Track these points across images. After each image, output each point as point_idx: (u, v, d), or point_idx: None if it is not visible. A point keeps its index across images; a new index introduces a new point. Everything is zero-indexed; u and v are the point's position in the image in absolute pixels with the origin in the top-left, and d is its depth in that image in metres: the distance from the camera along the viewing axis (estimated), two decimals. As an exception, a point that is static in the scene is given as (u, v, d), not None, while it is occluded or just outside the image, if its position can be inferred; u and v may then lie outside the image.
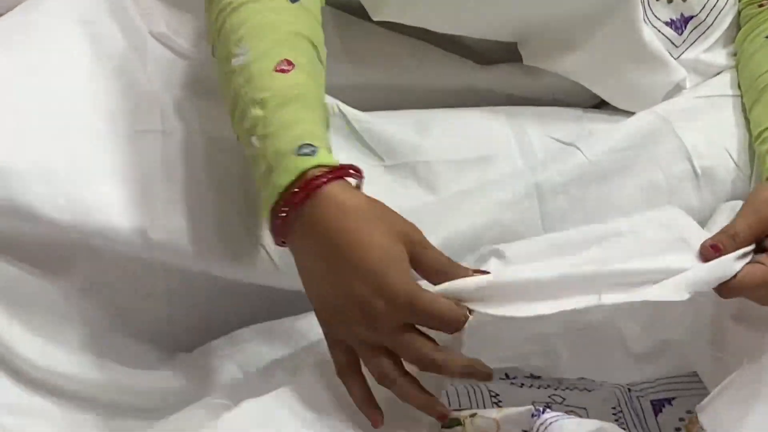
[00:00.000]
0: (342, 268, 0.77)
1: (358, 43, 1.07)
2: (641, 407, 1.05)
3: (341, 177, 0.79)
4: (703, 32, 1.09)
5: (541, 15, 1.02)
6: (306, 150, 0.79)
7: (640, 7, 1.01)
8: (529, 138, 1.03)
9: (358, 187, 0.82)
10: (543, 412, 0.83)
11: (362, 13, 1.04)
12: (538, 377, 1.06)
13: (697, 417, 0.88)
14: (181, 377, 0.97)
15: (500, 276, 0.80)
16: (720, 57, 1.10)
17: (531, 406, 0.84)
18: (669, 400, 1.06)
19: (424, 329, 0.79)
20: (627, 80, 1.05)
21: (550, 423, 0.82)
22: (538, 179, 0.99)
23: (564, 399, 1.03)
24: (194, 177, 0.95)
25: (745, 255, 0.83)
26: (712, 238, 0.84)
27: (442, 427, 0.90)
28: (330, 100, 1.02)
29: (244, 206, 0.95)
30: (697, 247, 0.83)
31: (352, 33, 1.07)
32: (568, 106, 1.09)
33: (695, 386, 1.04)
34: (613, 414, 1.04)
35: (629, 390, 1.06)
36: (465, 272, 0.79)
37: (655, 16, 1.07)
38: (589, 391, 1.05)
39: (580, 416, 0.94)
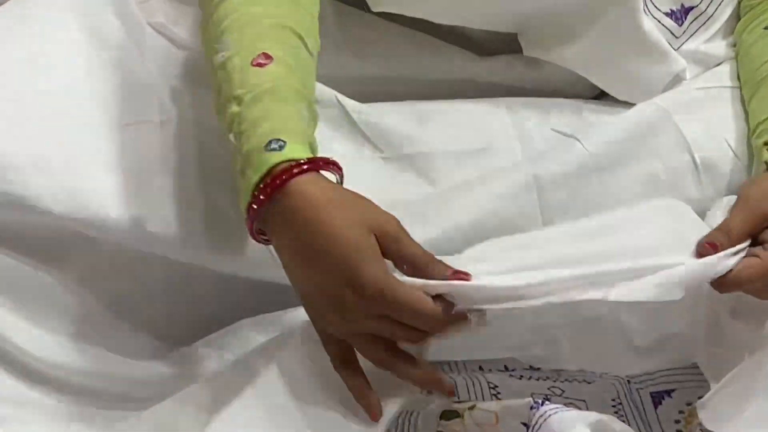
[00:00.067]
0: (313, 261, 0.77)
1: (358, 35, 1.07)
2: (641, 399, 1.05)
3: (312, 170, 0.78)
4: (704, 23, 1.08)
5: (541, 5, 1.02)
6: (274, 145, 0.78)
7: (641, -2, 1.01)
8: (529, 130, 1.03)
9: (339, 180, 0.82)
10: (542, 404, 0.83)
11: (362, 5, 1.04)
12: (538, 369, 1.06)
13: (696, 410, 0.88)
14: (175, 368, 0.97)
15: (495, 281, 0.78)
16: (720, 48, 1.10)
17: (530, 399, 0.84)
18: (668, 392, 1.06)
19: None
20: (627, 71, 1.05)
21: (549, 415, 0.82)
22: (537, 171, 0.99)
23: (563, 391, 1.03)
24: (191, 168, 0.95)
25: (741, 250, 0.83)
26: (707, 236, 0.84)
27: (441, 418, 0.90)
28: (329, 92, 1.02)
29: None
30: (694, 242, 0.83)
31: (351, 24, 1.07)
32: (568, 98, 1.08)
33: (695, 378, 1.04)
34: (613, 406, 1.04)
35: (629, 382, 1.06)
36: (441, 270, 0.78)
37: (656, 7, 1.07)
38: (589, 383, 1.05)
39: (580, 408, 0.94)
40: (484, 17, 1.04)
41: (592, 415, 0.82)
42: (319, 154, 0.81)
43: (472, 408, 0.89)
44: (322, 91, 1.01)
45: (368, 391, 0.81)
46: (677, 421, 1.04)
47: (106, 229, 0.92)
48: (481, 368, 1.06)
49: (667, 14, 1.07)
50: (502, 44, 1.08)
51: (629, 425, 0.97)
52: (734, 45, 1.10)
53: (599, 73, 1.06)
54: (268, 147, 0.78)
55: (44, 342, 0.94)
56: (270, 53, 0.84)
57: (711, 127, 1.02)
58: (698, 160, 1.00)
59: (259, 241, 0.82)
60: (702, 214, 0.92)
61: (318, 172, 0.79)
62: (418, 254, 0.78)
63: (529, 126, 1.03)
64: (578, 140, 1.00)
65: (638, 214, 0.89)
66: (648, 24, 1.02)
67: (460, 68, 1.08)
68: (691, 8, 1.08)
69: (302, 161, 0.78)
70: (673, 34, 1.07)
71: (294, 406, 0.81)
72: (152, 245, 0.93)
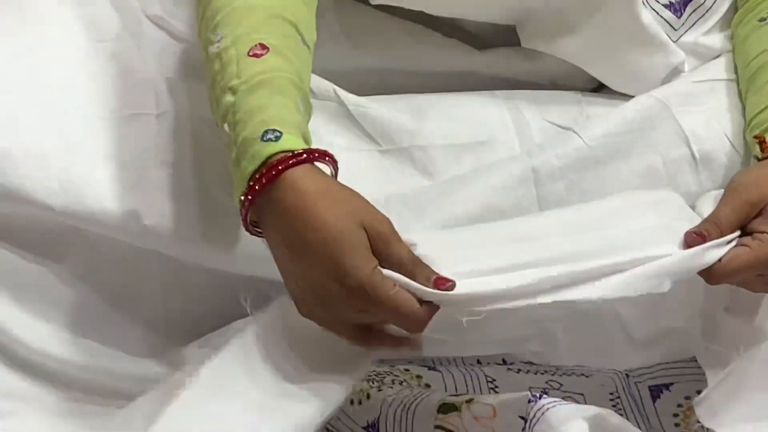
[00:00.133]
0: (301, 251, 0.77)
1: (357, 27, 1.07)
2: (639, 393, 1.05)
3: (307, 161, 0.78)
4: (702, 15, 1.08)
5: (539, -4, 1.02)
6: (270, 136, 0.78)
7: (639, -11, 1.01)
8: (527, 122, 1.03)
9: (333, 173, 0.81)
10: (540, 398, 0.83)
11: (361, -3, 1.04)
12: (536, 363, 1.06)
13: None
14: (170, 367, 0.96)
15: (479, 287, 0.78)
16: (719, 40, 1.09)
17: (527, 392, 0.84)
18: (667, 386, 1.06)
19: None
20: (625, 63, 1.05)
21: (547, 409, 0.82)
22: (534, 164, 0.98)
23: (561, 385, 1.03)
24: (187, 161, 0.94)
25: (729, 241, 0.83)
26: (696, 227, 0.83)
27: (438, 412, 0.90)
28: (326, 84, 1.02)
29: None
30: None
31: (350, 17, 1.07)
32: (566, 90, 1.08)
33: (693, 372, 1.04)
34: (611, 400, 1.03)
35: (627, 376, 1.06)
36: (427, 275, 0.77)
37: (654, -1, 1.07)
38: (587, 377, 1.05)
39: (578, 402, 0.94)
40: (483, 9, 1.04)
41: (590, 409, 0.82)
42: (315, 146, 0.81)
43: (469, 401, 0.88)
44: (320, 83, 1.01)
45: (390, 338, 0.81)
46: (675, 415, 1.04)
47: (101, 221, 0.92)
48: (479, 362, 1.06)
49: (665, 6, 1.07)
50: (500, 37, 1.08)
51: (627, 419, 0.98)
52: (732, 37, 1.10)
53: (598, 66, 1.06)
54: (263, 137, 0.78)
55: (42, 335, 0.94)
56: (266, 44, 0.84)
57: (710, 120, 1.02)
58: (697, 153, 1.00)
59: (252, 233, 0.81)
60: (700, 207, 0.92)
61: (313, 163, 0.79)
62: (405, 257, 0.77)
63: (527, 119, 1.03)
64: (576, 133, 1.00)
65: (629, 205, 0.89)
66: (646, 16, 1.02)
67: (458, 61, 1.08)
68: (690, 0, 1.08)
69: (298, 152, 0.78)
70: (671, 26, 1.07)
71: (270, 364, 0.81)
72: (147, 239, 0.93)
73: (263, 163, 0.77)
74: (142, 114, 0.96)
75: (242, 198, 0.78)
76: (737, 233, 0.84)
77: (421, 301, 0.76)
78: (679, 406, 1.04)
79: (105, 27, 1.01)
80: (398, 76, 1.08)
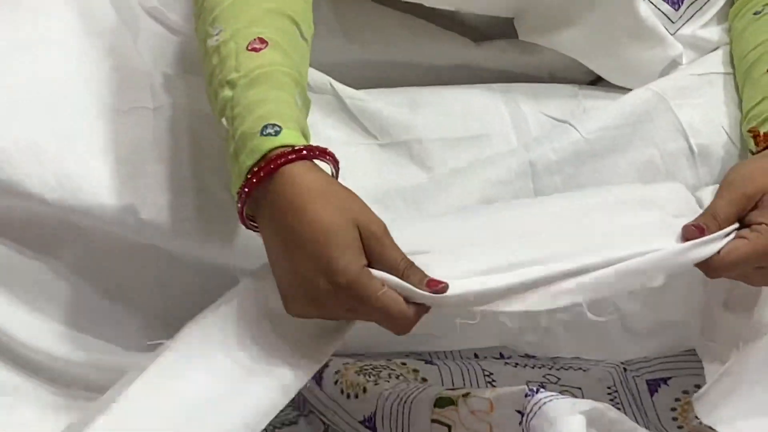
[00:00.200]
0: (292, 245, 0.76)
1: (353, 20, 1.07)
2: (637, 387, 1.05)
3: (307, 158, 0.78)
4: (700, 8, 1.08)
5: (537, -11, 1.01)
6: (270, 130, 0.78)
7: (637, -18, 1.01)
8: (524, 115, 1.02)
9: (333, 172, 0.81)
10: (537, 392, 0.83)
11: (358, -11, 1.04)
12: (533, 357, 1.06)
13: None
14: None
15: (470, 288, 0.77)
16: (717, 33, 1.09)
17: (525, 386, 0.84)
18: (665, 380, 1.06)
19: None
20: (623, 56, 1.04)
21: (544, 403, 0.81)
22: (532, 157, 0.98)
23: (559, 379, 1.03)
24: (184, 155, 0.94)
25: (727, 234, 0.82)
26: (693, 220, 0.83)
27: (435, 406, 0.90)
28: (323, 78, 1.01)
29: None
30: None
31: (347, 9, 1.07)
32: (564, 83, 1.08)
33: (691, 366, 1.04)
34: (608, 394, 1.03)
35: (625, 370, 1.06)
36: (419, 278, 0.76)
37: (653, -9, 1.06)
38: (584, 371, 1.05)
39: (575, 396, 0.94)
40: (480, 2, 1.04)
41: (587, 403, 0.82)
42: (313, 142, 0.81)
43: (466, 395, 0.88)
44: (317, 77, 1.01)
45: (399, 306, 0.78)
46: (673, 409, 1.04)
47: (98, 215, 0.91)
48: (476, 356, 1.06)
49: (664, -2, 1.07)
50: (498, 30, 1.08)
51: (625, 413, 0.98)
52: (729, 30, 1.10)
53: (595, 59, 1.06)
54: (263, 132, 0.78)
55: (38, 330, 0.94)
56: (265, 38, 0.83)
57: (707, 113, 1.02)
58: (694, 146, 1.00)
59: (247, 227, 0.81)
60: (698, 200, 0.92)
61: (312, 161, 0.79)
62: (397, 259, 0.77)
63: (525, 112, 1.03)
64: (573, 126, 1.00)
65: (627, 200, 0.88)
66: (644, 9, 1.02)
67: (455, 54, 1.07)
68: (688, -8, 1.08)
69: (298, 148, 0.78)
70: (669, 18, 1.07)
71: (243, 335, 0.81)
72: (144, 233, 0.93)
73: (262, 158, 0.77)
74: (138, 108, 0.96)
75: (239, 191, 0.78)
76: (735, 226, 0.84)
77: (408, 302, 0.76)
78: (677, 400, 1.04)
79: (101, 20, 1.00)
80: (395, 69, 1.08)
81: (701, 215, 0.84)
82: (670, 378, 1.05)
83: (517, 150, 0.99)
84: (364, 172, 0.98)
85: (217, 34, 0.84)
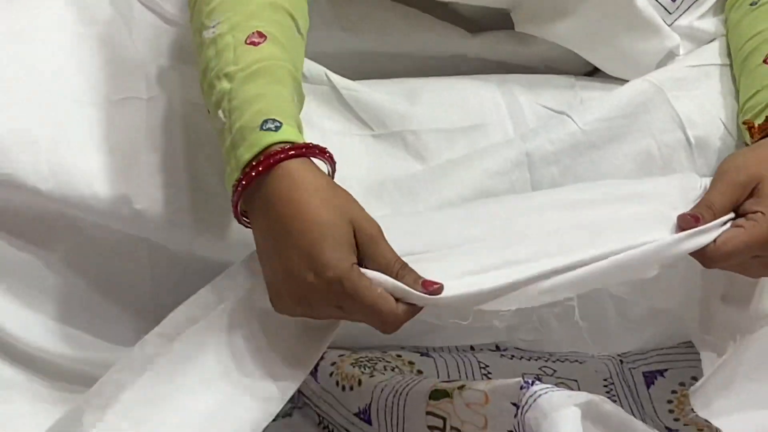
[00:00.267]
0: (282, 240, 0.76)
1: (350, 10, 1.07)
2: (633, 379, 1.05)
3: (306, 155, 0.78)
4: (697, -1, 1.08)
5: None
6: (270, 125, 0.77)
7: (634, -27, 1.00)
8: (521, 106, 1.02)
9: (330, 172, 0.81)
10: (532, 384, 0.82)
11: (354, -20, 1.03)
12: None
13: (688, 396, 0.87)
14: None
15: (463, 289, 0.77)
16: (713, 24, 1.09)
17: (520, 378, 0.84)
18: (661, 372, 1.06)
19: None
20: (620, 47, 1.04)
21: (540, 395, 0.81)
22: (528, 148, 0.98)
23: (555, 371, 1.03)
24: (178, 145, 0.94)
25: (723, 224, 0.82)
26: (689, 210, 0.83)
27: (430, 398, 0.89)
28: (318, 68, 1.01)
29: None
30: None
31: (343, 0, 1.06)
32: (561, 74, 1.08)
33: (688, 358, 1.04)
34: (605, 386, 1.03)
35: (621, 362, 1.06)
36: (413, 279, 0.76)
37: (649, -18, 1.06)
38: (581, 363, 1.05)
39: (571, 388, 0.94)
40: (478, -8, 1.04)
41: (583, 396, 0.81)
42: (308, 132, 0.80)
43: (461, 387, 0.88)
44: (312, 67, 1.01)
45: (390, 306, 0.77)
46: (669, 401, 1.03)
47: (91, 205, 0.91)
48: (472, 348, 1.06)
49: (660, -10, 1.06)
50: (494, 21, 1.08)
51: (621, 405, 0.98)
52: (726, 21, 1.09)
53: (592, 50, 1.06)
54: (263, 126, 0.77)
55: (31, 324, 0.94)
56: (264, 32, 0.83)
57: (704, 105, 1.02)
58: (691, 138, 1.00)
59: (240, 221, 0.81)
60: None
61: (310, 159, 0.78)
62: (391, 260, 0.76)
63: (521, 103, 1.02)
64: (570, 117, 1.00)
65: (624, 194, 0.88)
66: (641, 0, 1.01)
67: (451, 44, 1.07)
68: (685, -17, 1.07)
69: (298, 144, 0.77)
70: (666, 9, 1.06)
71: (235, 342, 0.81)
72: (138, 223, 0.93)
73: (261, 152, 0.77)
74: (132, 98, 0.96)
75: (236, 184, 0.78)
76: (731, 215, 0.83)
77: (398, 301, 0.75)
78: (674, 392, 1.04)
79: (95, 10, 1.00)
80: (391, 59, 1.07)
81: (696, 205, 0.84)
82: (666, 370, 1.05)
83: (514, 141, 0.99)
84: (360, 163, 0.97)
85: (213, 26, 0.84)
